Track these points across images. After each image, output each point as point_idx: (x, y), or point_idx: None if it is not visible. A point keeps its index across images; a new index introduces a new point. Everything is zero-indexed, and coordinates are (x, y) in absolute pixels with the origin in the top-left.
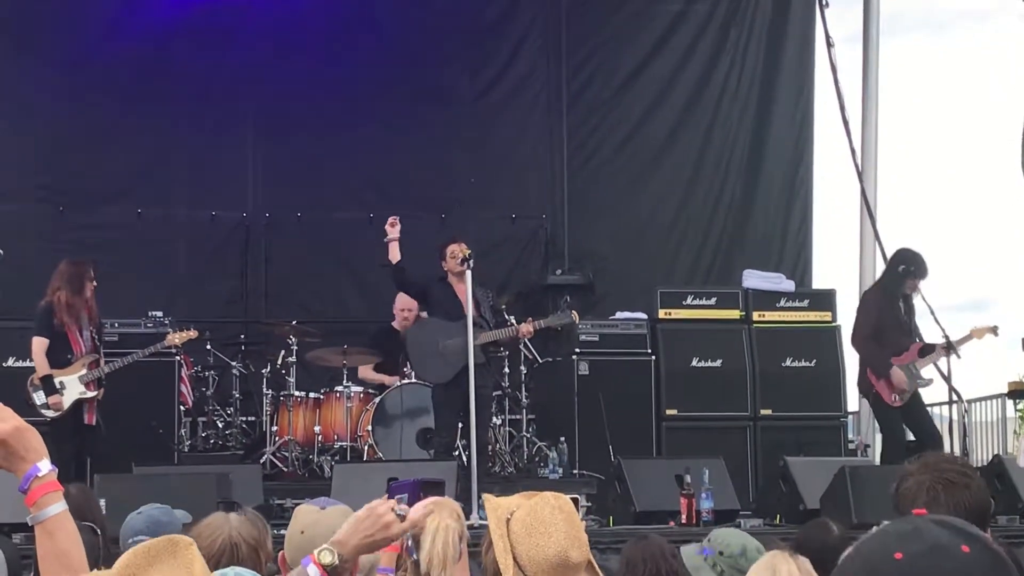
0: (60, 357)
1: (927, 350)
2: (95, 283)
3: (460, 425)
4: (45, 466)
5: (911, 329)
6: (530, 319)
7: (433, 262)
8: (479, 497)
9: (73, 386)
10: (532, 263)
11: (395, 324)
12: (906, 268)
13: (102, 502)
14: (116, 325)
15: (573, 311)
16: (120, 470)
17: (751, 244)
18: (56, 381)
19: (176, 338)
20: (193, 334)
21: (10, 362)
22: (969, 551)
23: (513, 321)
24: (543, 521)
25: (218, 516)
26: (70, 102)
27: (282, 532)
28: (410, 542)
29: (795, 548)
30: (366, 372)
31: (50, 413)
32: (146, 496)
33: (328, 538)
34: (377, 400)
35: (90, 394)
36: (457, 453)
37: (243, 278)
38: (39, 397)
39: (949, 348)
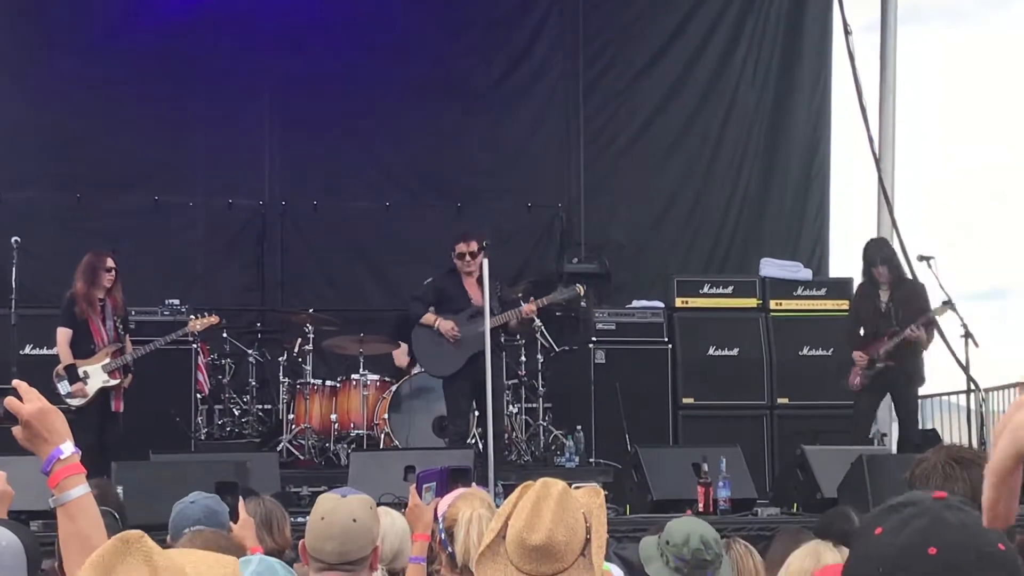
0: (83, 347)
1: (893, 334)
2: (112, 273)
3: (476, 413)
4: (68, 448)
5: (894, 317)
6: (532, 299)
7: (446, 249)
8: (496, 484)
9: (97, 375)
10: (548, 252)
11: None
12: (867, 261)
13: (119, 489)
14: (133, 313)
15: (578, 284)
16: (137, 457)
17: (768, 232)
18: (80, 371)
19: (197, 324)
20: (214, 320)
21: (28, 350)
22: (1005, 548)
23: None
24: (520, 503)
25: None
26: (88, 89)
27: (298, 520)
28: (443, 535)
29: (816, 536)
30: (401, 359)
31: (75, 402)
32: (164, 484)
33: (347, 525)
34: (393, 388)
35: (113, 382)
36: (473, 441)
37: (260, 266)
38: (63, 387)
39: (914, 330)
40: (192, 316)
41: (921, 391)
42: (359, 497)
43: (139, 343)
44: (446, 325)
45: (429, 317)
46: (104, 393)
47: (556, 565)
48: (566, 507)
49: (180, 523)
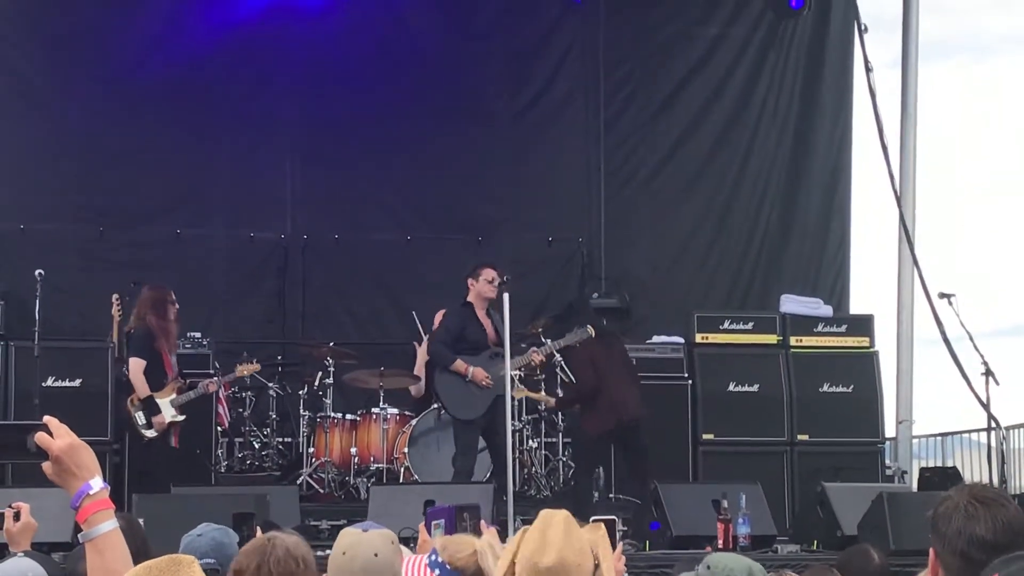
0: (157, 380)
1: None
2: (177, 307)
3: (483, 447)
4: (97, 483)
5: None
6: (533, 349)
7: (466, 283)
8: (515, 520)
9: (167, 409)
10: (569, 286)
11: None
12: None
13: (140, 522)
14: None
15: (590, 326)
16: (158, 490)
17: (788, 268)
18: (156, 402)
19: (244, 370)
20: (257, 367)
21: (50, 381)
22: None
23: (549, 342)
24: (528, 532)
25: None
26: (111, 122)
27: (318, 554)
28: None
29: None
30: (417, 390)
31: (150, 433)
32: (185, 517)
33: (369, 559)
34: (413, 422)
35: (180, 418)
36: (488, 477)
37: (281, 299)
38: (140, 417)
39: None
40: (239, 363)
41: (942, 428)
42: (380, 532)
43: (190, 386)
44: (480, 374)
45: (460, 365)
46: (168, 428)
47: None
48: (571, 532)
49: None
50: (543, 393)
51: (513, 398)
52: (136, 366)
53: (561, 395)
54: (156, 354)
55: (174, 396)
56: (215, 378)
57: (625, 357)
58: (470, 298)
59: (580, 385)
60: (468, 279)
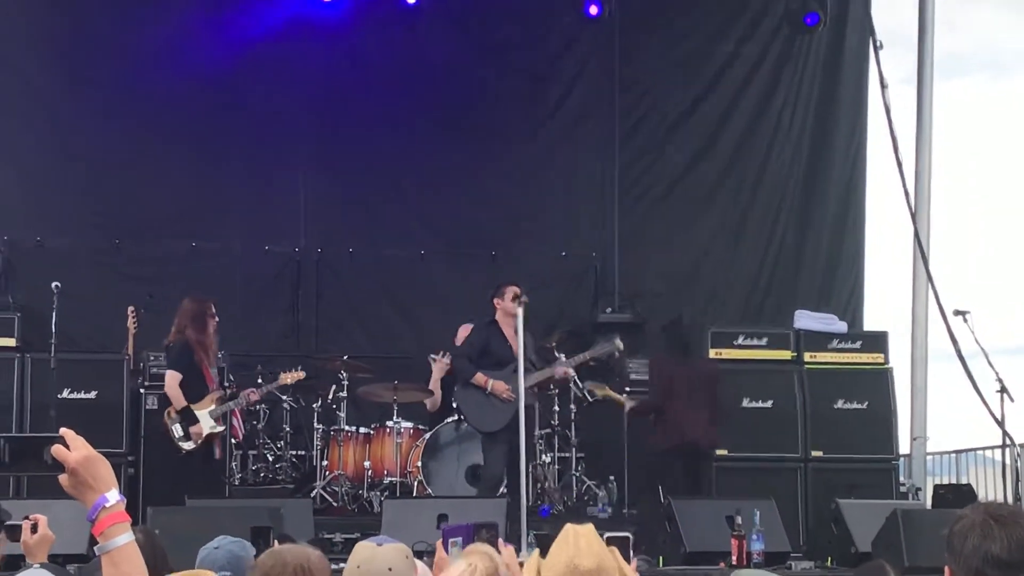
0: (197, 392)
1: None
2: (217, 320)
3: (507, 463)
4: (113, 496)
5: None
6: (559, 361)
7: (480, 297)
8: (528, 535)
9: (205, 420)
10: (582, 301)
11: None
12: None
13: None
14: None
15: (617, 338)
16: (172, 503)
17: (803, 284)
18: (194, 413)
19: (288, 378)
20: (301, 375)
21: (66, 393)
22: None
23: (563, 358)
24: (559, 540)
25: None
26: (126, 135)
27: (332, 568)
28: None
29: None
30: (431, 404)
31: (187, 445)
32: (199, 529)
33: (383, 574)
34: (427, 436)
35: (219, 428)
36: (504, 491)
37: (295, 313)
38: (177, 430)
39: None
40: (282, 371)
41: (957, 445)
42: (395, 546)
43: (231, 396)
44: (500, 387)
45: (480, 378)
46: (209, 439)
47: None
48: (600, 541)
49: (205, 568)
50: (624, 396)
51: (593, 393)
52: (172, 379)
53: (635, 404)
54: (195, 367)
55: (213, 407)
56: (261, 387)
57: (700, 379)
58: (497, 317)
59: (648, 399)
60: (493, 299)
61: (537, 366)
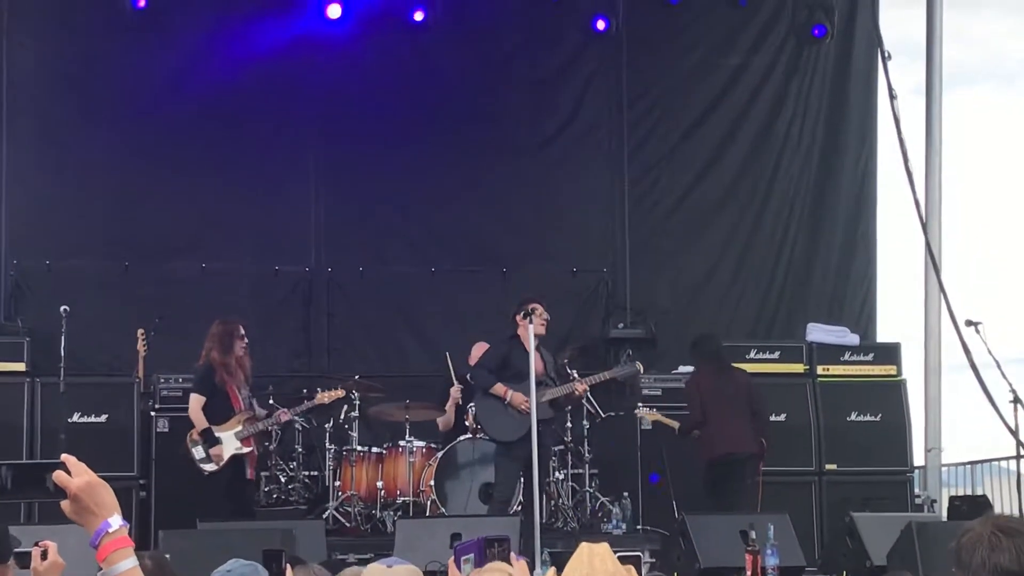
0: (222, 414)
1: None
2: (245, 342)
3: (521, 480)
4: (116, 521)
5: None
6: (576, 379)
7: (491, 314)
8: (543, 552)
9: (230, 442)
10: (593, 317)
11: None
12: None
13: (166, 556)
14: (181, 380)
15: (638, 362)
16: (184, 526)
17: (814, 297)
18: (216, 435)
19: (326, 397)
20: (340, 393)
21: (76, 417)
22: None
23: (575, 375)
24: (574, 559)
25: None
26: (134, 158)
27: None
28: None
29: None
30: (444, 423)
31: (209, 467)
32: (210, 552)
33: None
34: (439, 455)
35: (245, 450)
36: (520, 508)
37: (306, 332)
38: (198, 452)
39: None
40: (319, 389)
41: (971, 456)
42: (406, 568)
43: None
44: (519, 398)
45: (499, 388)
46: (239, 461)
47: None
48: (615, 560)
49: None
50: (672, 421)
51: (644, 419)
52: (194, 402)
53: (680, 424)
54: (219, 389)
55: (240, 428)
56: (296, 407)
57: (740, 390)
58: (519, 332)
59: (688, 416)
60: (515, 316)
61: (556, 383)
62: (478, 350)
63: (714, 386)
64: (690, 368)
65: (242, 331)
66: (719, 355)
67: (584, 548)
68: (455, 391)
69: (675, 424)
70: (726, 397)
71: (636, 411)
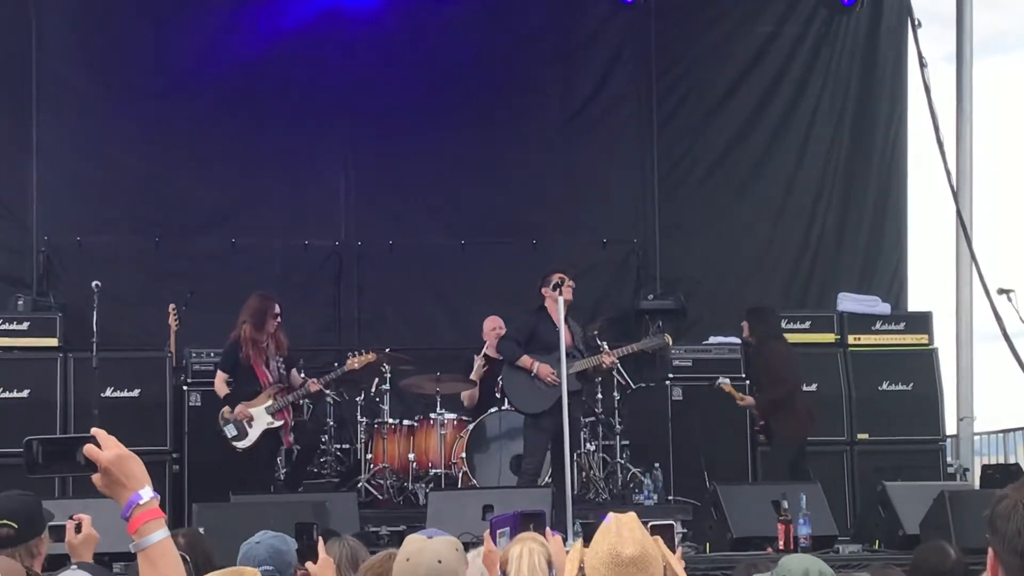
0: (248, 390)
1: None
2: (279, 318)
3: (549, 451)
4: (147, 493)
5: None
6: (605, 351)
7: (521, 286)
8: (575, 524)
9: (261, 417)
10: (624, 288)
11: (487, 349)
12: None
13: (200, 530)
14: (212, 355)
15: (666, 334)
16: (218, 499)
17: (845, 266)
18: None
19: (356, 362)
20: (372, 357)
21: (109, 392)
22: None
23: (606, 347)
24: (601, 529)
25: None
26: (163, 133)
27: None
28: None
29: (910, 571)
30: (469, 400)
31: (242, 444)
32: (244, 525)
33: (433, 566)
34: (471, 427)
35: (278, 423)
36: (549, 480)
37: (337, 306)
38: (230, 430)
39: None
40: (350, 354)
41: (1004, 424)
42: (445, 539)
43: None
44: (545, 370)
45: (526, 360)
46: (272, 434)
47: None
48: (643, 528)
49: (246, 563)
50: (747, 397)
51: (716, 387)
52: (218, 379)
53: (759, 397)
54: (243, 365)
55: (271, 403)
56: (325, 376)
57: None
58: (546, 304)
59: (780, 385)
60: (541, 288)
61: (584, 355)
62: (489, 323)
63: (795, 360)
64: (722, 338)
65: (277, 309)
66: (779, 327)
67: (612, 518)
68: (479, 363)
69: (750, 400)
70: (800, 371)
71: (717, 382)
